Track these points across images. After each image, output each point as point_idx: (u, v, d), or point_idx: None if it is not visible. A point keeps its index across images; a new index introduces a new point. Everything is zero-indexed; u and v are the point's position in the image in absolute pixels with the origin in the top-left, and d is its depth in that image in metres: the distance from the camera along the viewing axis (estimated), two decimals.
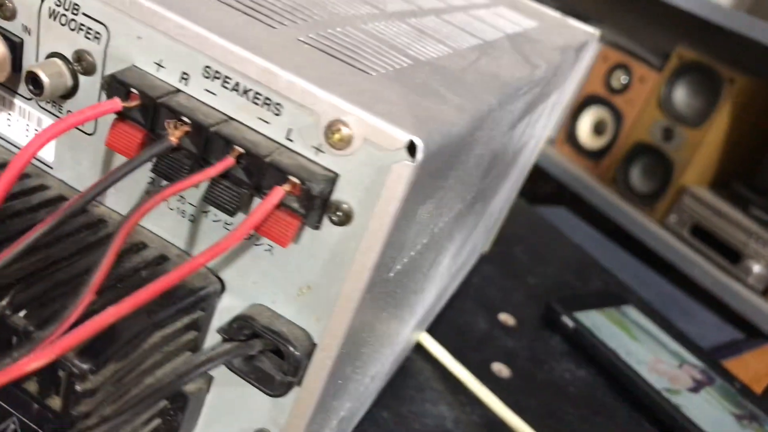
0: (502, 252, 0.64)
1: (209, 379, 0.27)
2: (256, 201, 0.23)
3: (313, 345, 0.24)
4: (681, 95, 1.31)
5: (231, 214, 0.23)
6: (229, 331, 0.25)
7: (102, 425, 0.22)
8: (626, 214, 1.35)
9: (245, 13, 0.25)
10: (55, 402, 0.22)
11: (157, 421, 0.26)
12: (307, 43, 0.25)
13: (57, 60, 0.25)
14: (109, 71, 0.24)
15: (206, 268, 0.25)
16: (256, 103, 0.23)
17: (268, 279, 0.24)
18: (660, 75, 1.32)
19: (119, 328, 0.22)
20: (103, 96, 0.24)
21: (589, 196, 1.41)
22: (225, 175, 0.23)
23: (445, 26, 0.36)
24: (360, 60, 0.25)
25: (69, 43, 0.25)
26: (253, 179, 0.22)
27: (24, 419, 0.23)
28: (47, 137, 0.22)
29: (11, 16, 0.25)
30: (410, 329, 0.38)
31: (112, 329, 0.20)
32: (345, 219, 0.22)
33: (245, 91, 0.23)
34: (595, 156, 1.43)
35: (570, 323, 0.55)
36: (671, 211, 1.32)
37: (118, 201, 0.26)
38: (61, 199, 0.26)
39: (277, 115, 0.22)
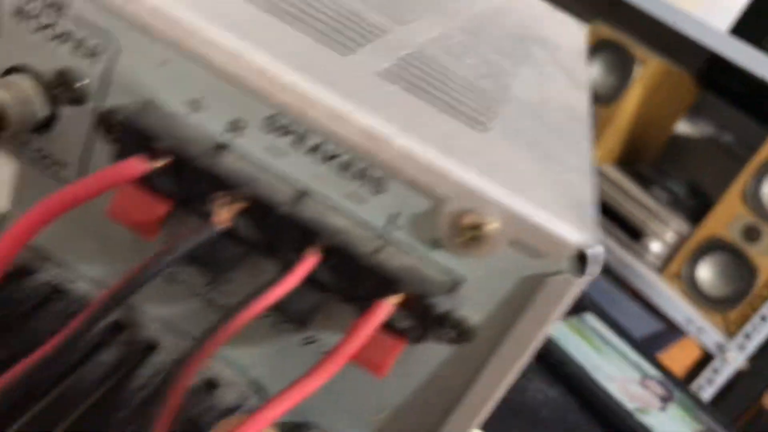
0: None
1: None
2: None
3: None
4: (596, 72, 1.31)
5: (302, 325, 0.16)
6: None
7: None
8: None
9: (299, 27, 0.18)
10: None
11: None
12: (388, 79, 0.18)
13: (20, 78, 0.17)
14: (109, 103, 0.16)
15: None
16: (345, 175, 0.16)
17: (336, 395, 0.18)
18: None
19: None
20: (95, 135, 0.17)
21: None
22: None
23: (480, 35, 0.30)
24: (459, 103, 0.19)
25: (45, 56, 0.17)
26: (343, 285, 0.16)
27: None
28: (30, 226, 0.14)
29: None
30: None
31: None
32: (463, 337, 0.16)
33: (331, 157, 0.16)
34: None
35: None
36: None
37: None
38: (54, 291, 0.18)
39: (376, 193, 0.16)
